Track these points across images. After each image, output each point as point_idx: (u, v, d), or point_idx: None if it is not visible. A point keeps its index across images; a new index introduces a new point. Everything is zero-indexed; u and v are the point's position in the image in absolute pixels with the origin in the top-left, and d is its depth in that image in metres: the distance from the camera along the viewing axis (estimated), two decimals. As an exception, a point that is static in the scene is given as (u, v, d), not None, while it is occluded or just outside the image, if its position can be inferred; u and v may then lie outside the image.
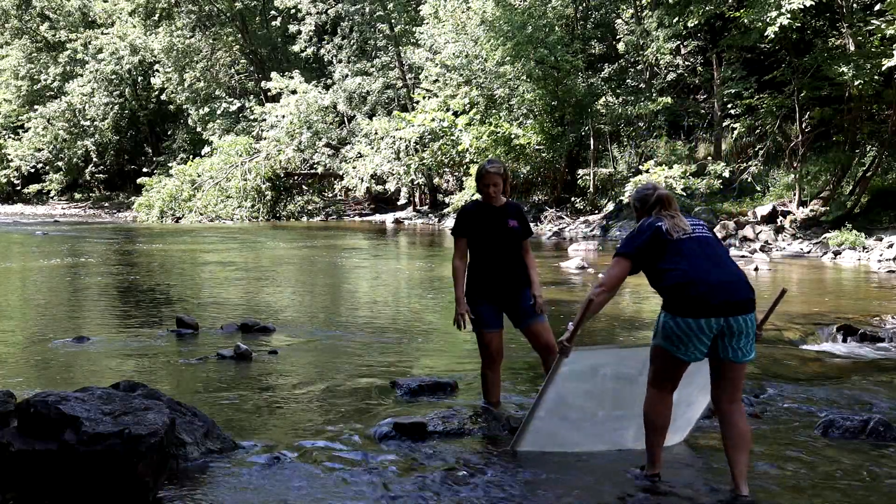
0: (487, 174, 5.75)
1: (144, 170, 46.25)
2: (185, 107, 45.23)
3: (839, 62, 20.55)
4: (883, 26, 19.11)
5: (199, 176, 36.86)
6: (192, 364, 7.56)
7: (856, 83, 20.10)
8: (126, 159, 52.42)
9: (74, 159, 49.69)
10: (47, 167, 50.68)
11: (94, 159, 50.02)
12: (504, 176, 5.81)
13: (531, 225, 5.90)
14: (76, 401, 4.27)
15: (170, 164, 42.54)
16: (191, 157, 41.32)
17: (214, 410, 5.76)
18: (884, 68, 19.44)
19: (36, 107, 49.49)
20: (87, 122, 48.78)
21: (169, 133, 51.75)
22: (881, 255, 17.70)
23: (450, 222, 30.90)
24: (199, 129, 44.38)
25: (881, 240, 18.97)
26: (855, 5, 20.90)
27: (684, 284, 4.38)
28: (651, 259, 4.55)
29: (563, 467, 4.85)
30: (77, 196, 52.35)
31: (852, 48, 20.85)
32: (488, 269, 5.77)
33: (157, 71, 44.77)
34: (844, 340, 8.92)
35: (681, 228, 4.55)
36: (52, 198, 52.02)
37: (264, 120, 37.76)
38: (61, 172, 50.80)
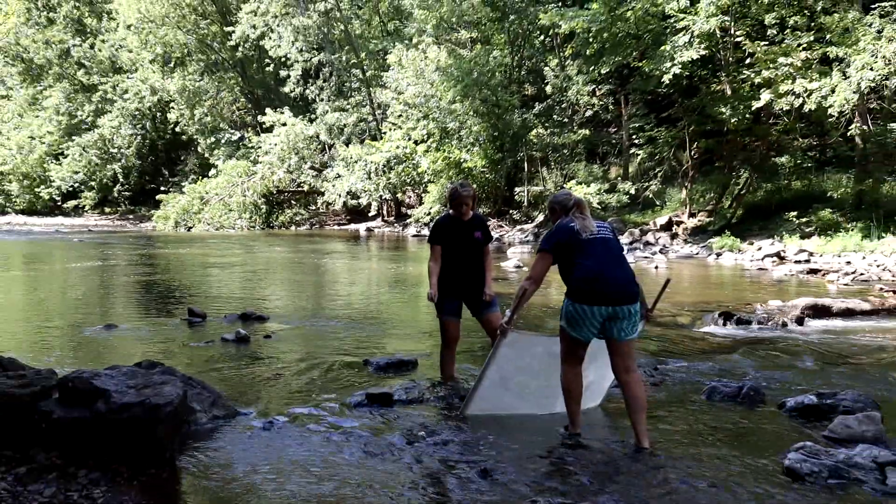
0: (462, 196, 5.72)
1: (162, 188, 45.63)
2: (195, 137, 44.70)
3: (719, 103, 20.92)
4: (752, 76, 19.47)
5: (206, 193, 36.48)
6: (200, 346, 7.49)
7: (732, 120, 20.48)
8: (147, 179, 51.48)
9: (104, 180, 48.72)
10: (82, 186, 49.70)
11: (121, 180, 49.00)
12: (474, 197, 5.81)
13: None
14: (106, 377, 4.23)
15: (183, 184, 42.04)
16: (200, 177, 40.83)
17: (219, 384, 5.71)
18: (753, 108, 19.82)
19: (73, 137, 48.50)
20: (115, 150, 47.94)
21: (182, 158, 51.01)
22: (752, 256, 18.02)
23: (411, 230, 30.88)
24: (206, 155, 43.86)
25: (752, 244, 19.32)
26: (731, 59, 21.26)
27: (586, 278, 4.42)
28: (564, 254, 4.56)
29: (504, 427, 4.87)
30: (107, 210, 51.29)
31: (729, 92, 21.21)
32: (455, 271, 5.77)
33: (172, 108, 44.14)
34: (724, 324, 9.06)
35: (588, 229, 4.56)
36: (86, 211, 50.91)
37: (260, 147, 37.45)
38: (94, 191, 49.84)
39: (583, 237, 4.53)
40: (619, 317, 4.42)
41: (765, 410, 5.39)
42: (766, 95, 18.62)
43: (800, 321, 9.05)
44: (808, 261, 16.59)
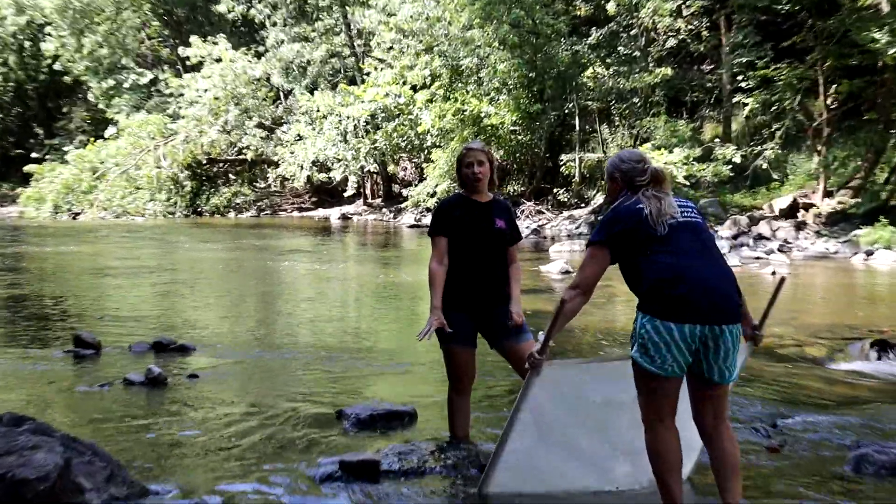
0: (470, 151, 5.75)
1: (34, 155, 45.90)
2: (83, 78, 44.90)
3: (871, 26, 20.78)
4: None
5: (101, 163, 36.66)
6: (93, 392, 7.48)
7: (890, 51, 20.34)
8: (11, 142, 51.87)
9: (-55, 141, 49.11)
10: None
11: (-29, 142, 49.46)
12: (490, 158, 5.79)
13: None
14: (-52, 438, 4.20)
15: (65, 149, 42.33)
16: (91, 139, 41.01)
17: (121, 448, 5.70)
18: (924, 32, 19.70)
19: None
20: (-38, 97, 48.29)
21: (64, 110, 51.32)
22: (922, 256, 17.95)
23: (408, 218, 30.92)
24: (101, 106, 44.11)
25: (922, 237, 19.23)
26: (889, -43, 21.18)
27: (669, 281, 4.29)
28: (629, 250, 4.46)
29: (545, 513, 4.81)
30: (-51, 187, 51.74)
31: (886, 9, 21.10)
32: (466, 277, 5.67)
33: (49, 35, 44.34)
34: (879, 358, 8.99)
35: (667, 214, 4.44)
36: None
37: (182, 95, 37.61)
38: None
39: (657, 231, 4.46)
40: (719, 344, 4.30)
41: (943, 489, 5.33)
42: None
43: None
44: None
